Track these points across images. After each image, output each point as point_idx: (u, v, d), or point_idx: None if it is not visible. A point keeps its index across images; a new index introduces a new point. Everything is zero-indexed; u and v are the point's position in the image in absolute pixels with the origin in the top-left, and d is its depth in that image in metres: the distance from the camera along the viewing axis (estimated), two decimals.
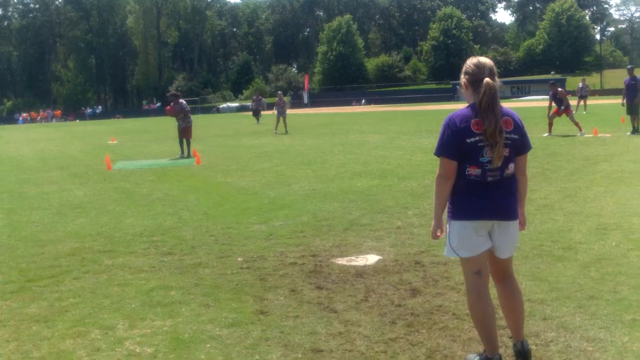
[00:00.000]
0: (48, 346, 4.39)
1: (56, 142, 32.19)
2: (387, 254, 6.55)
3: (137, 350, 4.25)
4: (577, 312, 4.63)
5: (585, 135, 19.23)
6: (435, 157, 3.75)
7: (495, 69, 3.75)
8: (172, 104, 19.68)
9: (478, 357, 3.84)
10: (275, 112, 32.12)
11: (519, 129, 3.76)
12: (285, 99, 31.79)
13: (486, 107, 3.63)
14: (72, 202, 10.93)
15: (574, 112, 22.27)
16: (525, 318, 4.08)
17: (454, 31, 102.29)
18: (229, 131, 33.73)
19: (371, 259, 6.39)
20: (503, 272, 3.93)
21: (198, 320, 4.77)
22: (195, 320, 4.79)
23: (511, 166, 3.75)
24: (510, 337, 4.03)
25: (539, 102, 57.28)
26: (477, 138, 3.65)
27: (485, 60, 3.78)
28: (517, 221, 3.85)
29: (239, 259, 6.57)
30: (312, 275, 5.87)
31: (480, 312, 3.78)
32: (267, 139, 25.43)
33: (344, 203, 9.66)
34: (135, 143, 27.62)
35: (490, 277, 3.92)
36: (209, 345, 4.29)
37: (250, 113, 45.50)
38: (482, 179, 3.68)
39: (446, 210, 3.84)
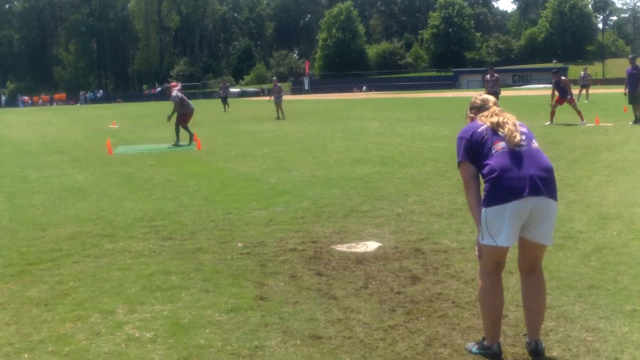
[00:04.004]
0: (48, 329, 4.40)
1: (57, 126, 32.15)
2: (387, 241, 6.55)
3: (137, 335, 4.25)
4: (577, 301, 4.62)
5: (587, 125, 19.19)
6: (451, 165, 3.81)
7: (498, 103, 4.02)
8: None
9: (477, 346, 3.83)
10: (271, 99, 31.83)
11: (524, 126, 3.84)
12: (279, 84, 31.51)
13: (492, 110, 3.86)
14: (73, 186, 10.93)
15: (576, 101, 22.22)
16: None
17: (455, 19, 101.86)
18: (230, 116, 33.67)
19: (371, 245, 6.38)
20: (533, 262, 3.78)
21: (197, 305, 4.77)
22: (194, 305, 4.79)
23: (535, 142, 3.74)
24: (525, 335, 3.94)
25: (540, 90, 57.19)
26: (485, 126, 3.77)
27: (488, 96, 4.07)
28: (556, 204, 3.67)
29: (239, 244, 6.57)
30: (312, 262, 5.87)
31: (491, 299, 3.76)
32: (268, 125, 25.39)
33: (344, 189, 9.65)
34: (136, 128, 27.59)
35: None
36: (208, 331, 4.29)
37: (256, 98, 45.42)
38: (510, 149, 3.63)
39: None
